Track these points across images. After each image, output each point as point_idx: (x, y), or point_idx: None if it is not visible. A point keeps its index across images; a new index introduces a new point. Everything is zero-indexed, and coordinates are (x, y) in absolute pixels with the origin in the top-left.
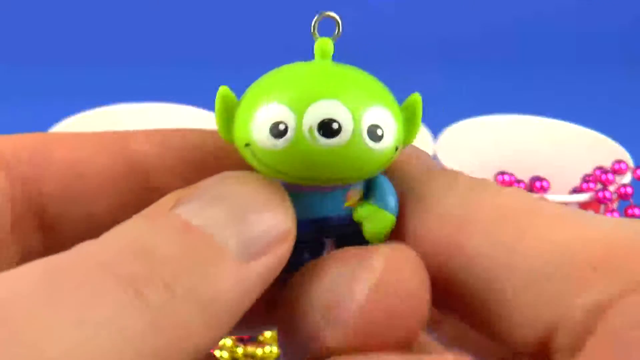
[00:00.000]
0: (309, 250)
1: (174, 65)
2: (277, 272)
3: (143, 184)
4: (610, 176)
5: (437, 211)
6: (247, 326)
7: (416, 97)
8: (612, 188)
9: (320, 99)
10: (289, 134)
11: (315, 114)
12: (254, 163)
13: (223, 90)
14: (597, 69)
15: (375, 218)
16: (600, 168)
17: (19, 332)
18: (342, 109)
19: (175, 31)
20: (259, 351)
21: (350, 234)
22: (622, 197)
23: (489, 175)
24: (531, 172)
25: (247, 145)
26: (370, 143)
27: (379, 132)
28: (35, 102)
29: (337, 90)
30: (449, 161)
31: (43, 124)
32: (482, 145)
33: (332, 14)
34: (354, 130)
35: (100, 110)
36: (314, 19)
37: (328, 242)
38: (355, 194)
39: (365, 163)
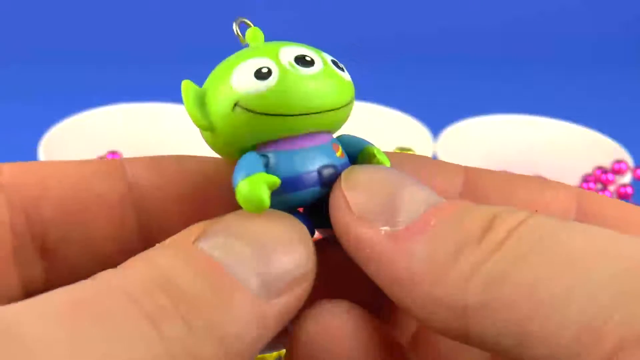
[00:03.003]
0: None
1: (174, 65)
2: (296, 311)
3: (140, 208)
4: (610, 176)
5: None
6: None
7: None
8: (612, 188)
9: (284, 46)
10: (273, 72)
11: (288, 53)
12: (242, 127)
13: (187, 82)
14: (597, 69)
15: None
16: (600, 168)
17: None
18: (305, 49)
19: (175, 31)
20: None
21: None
22: (622, 197)
23: None
24: (531, 172)
25: (235, 105)
26: (339, 72)
27: (340, 65)
28: (35, 102)
29: (293, 43)
30: (448, 161)
31: (43, 124)
32: (482, 145)
33: (245, 19)
34: (323, 62)
35: (100, 110)
36: (234, 24)
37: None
38: (337, 147)
39: (342, 88)
